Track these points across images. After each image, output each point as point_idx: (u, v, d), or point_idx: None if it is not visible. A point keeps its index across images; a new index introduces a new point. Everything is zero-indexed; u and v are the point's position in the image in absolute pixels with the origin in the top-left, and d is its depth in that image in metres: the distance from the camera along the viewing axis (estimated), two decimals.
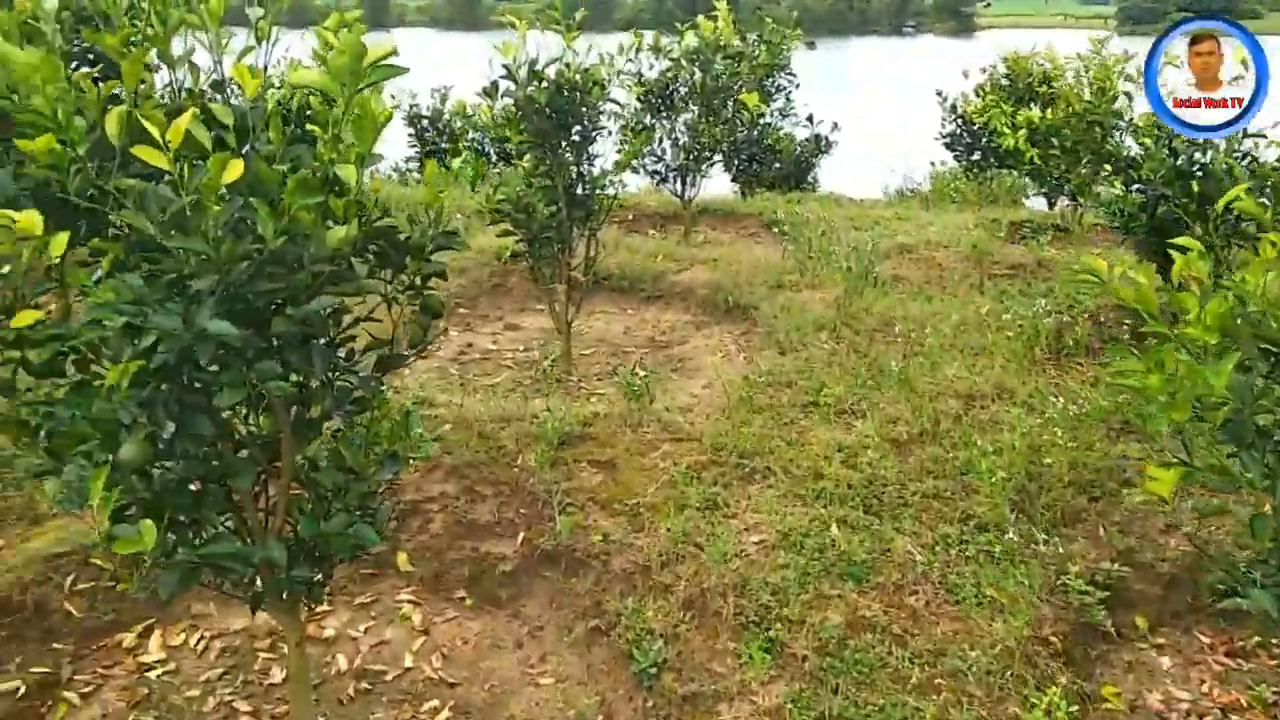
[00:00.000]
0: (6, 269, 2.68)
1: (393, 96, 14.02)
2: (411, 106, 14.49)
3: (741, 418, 5.21)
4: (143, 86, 2.81)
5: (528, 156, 6.20)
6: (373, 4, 73.19)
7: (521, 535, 4.30)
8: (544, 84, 5.71)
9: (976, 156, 13.73)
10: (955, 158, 14.16)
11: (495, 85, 5.95)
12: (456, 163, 6.38)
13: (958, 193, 13.10)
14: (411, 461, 3.66)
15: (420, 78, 15.18)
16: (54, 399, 2.85)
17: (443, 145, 14.73)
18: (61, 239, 2.50)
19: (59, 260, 2.48)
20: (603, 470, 4.70)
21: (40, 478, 3.98)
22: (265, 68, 2.96)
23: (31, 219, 2.43)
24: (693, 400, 5.62)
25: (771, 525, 4.23)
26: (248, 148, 2.79)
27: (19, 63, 2.38)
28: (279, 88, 2.86)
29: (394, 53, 2.77)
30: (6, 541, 4.06)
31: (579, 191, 6.13)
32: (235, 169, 2.44)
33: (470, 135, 14.31)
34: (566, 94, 5.75)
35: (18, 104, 2.46)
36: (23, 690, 3.45)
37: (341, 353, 3.14)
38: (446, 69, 15.64)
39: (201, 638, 3.82)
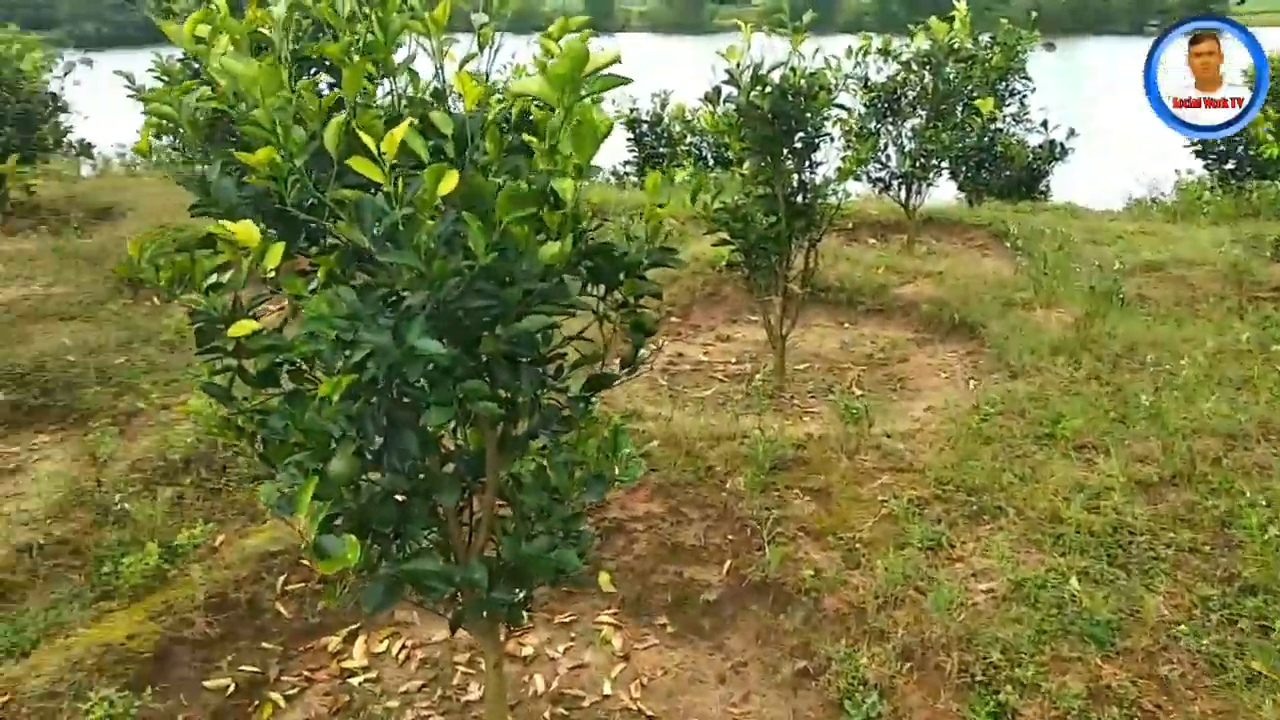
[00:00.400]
0: (226, 277, 2.69)
1: (613, 102, 14.13)
2: (631, 111, 14.54)
3: (969, 449, 4.83)
4: (364, 95, 2.78)
5: (747, 164, 6.00)
6: (596, 10, 74.54)
7: (728, 563, 4.10)
8: (767, 89, 5.50)
9: (1231, 166, 12.63)
10: (1206, 167, 13.07)
11: (717, 90, 5.79)
12: (681, 174, 6.22)
13: (1209, 205, 12.05)
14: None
15: (640, 82, 15.23)
16: (268, 408, 2.85)
17: (661, 150, 14.74)
18: (277, 250, 2.48)
19: (273, 271, 2.46)
20: (816, 499, 4.44)
21: (255, 482, 4.07)
22: (487, 75, 2.88)
23: (249, 230, 2.41)
24: (914, 426, 5.28)
25: (1002, 573, 3.86)
26: (465, 159, 2.71)
27: (241, 75, 2.35)
28: (500, 96, 2.76)
29: (617, 60, 2.62)
30: (226, 537, 4.18)
31: (800, 200, 5.88)
32: (450, 181, 2.34)
33: (689, 140, 14.27)
34: (791, 99, 5.51)
35: (241, 114, 2.44)
36: (232, 688, 3.50)
37: (550, 369, 3.04)
38: (666, 73, 15.64)
39: (403, 647, 3.81)
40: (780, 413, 5.71)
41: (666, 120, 14.54)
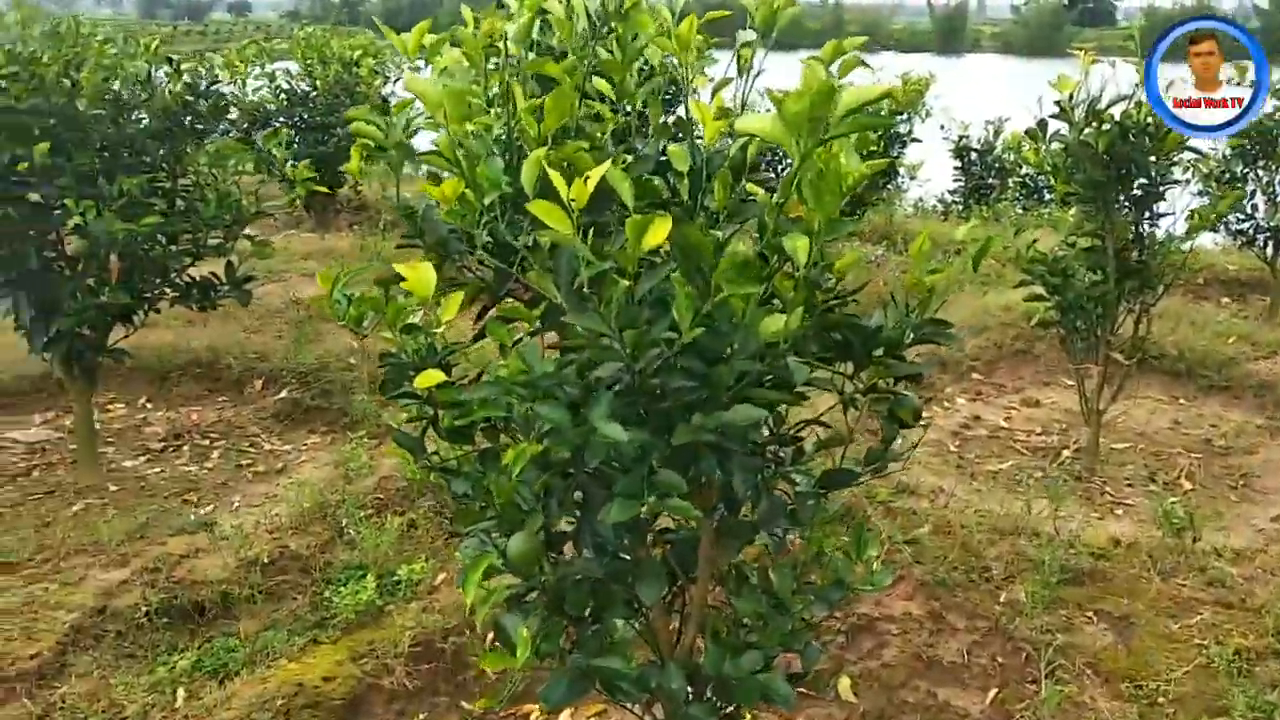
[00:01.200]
0: (418, 318, 2.40)
1: (942, 127, 13.30)
2: (961, 138, 13.63)
3: None
4: (596, 122, 2.42)
5: (1073, 210, 5.22)
6: (946, 29, 72.03)
7: (993, 692, 3.43)
8: (1105, 126, 4.71)
9: None
10: None
11: (1044, 124, 5.05)
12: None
13: None
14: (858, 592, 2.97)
15: (978, 107, 14.26)
16: (455, 467, 2.56)
17: (989, 181, 13.75)
18: (454, 301, 2.16)
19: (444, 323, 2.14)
20: (1113, 628, 3.66)
21: (454, 537, 3.80)
22: (743, 104, 2.45)
23: (421, 278, 2.10)
24: (1254, 544, 4.32)
25: None
26: (697, 204, 2.30)
27: (425, 95, 2.03)
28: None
29: (886, 95, 2.11)
30: (448, 576, 3.97)
31: (1134, 257, 5.02)
32: (657, 232, 1.92)
33: (1023, 171, 13.21)
34: (1132, 139, 4.70)
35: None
36: None
37: (781, 452, 2.57)
38: (1010, 98, 14.56)
39: None
40: (1086, 500, 4.88)
41: (999, 149, 13.51)
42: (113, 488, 5.04)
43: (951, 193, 14.19)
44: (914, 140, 11.22)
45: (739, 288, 1.94)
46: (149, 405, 6.11)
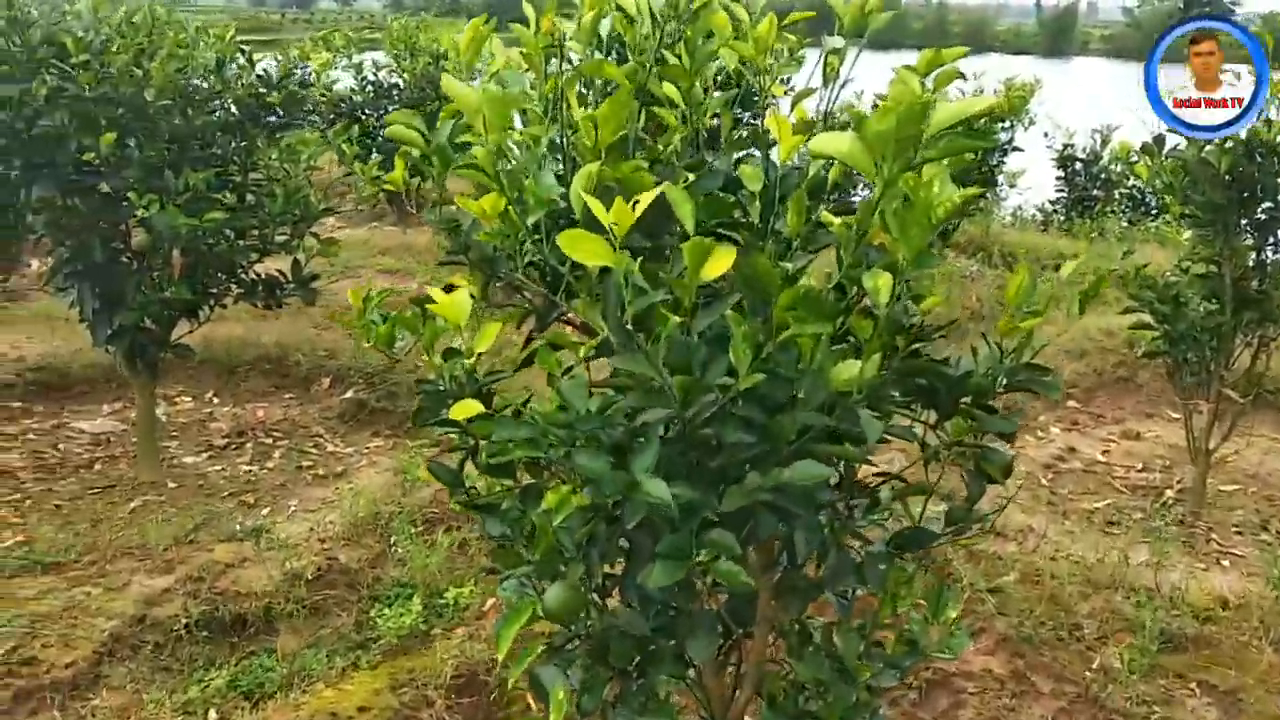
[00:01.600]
0: (459, 341, 2.19)
1: (1045, 134, 12.77)
2: (1065, 146, 13.08)
3: None
4: (660, 133, 2.19)
5: (1187, 234, 4.84)
6: (1054, 30, 70.02)
7: None
8: (1228, 144, 4.33)
9: None
10: None
11: (1160, 139, 4.67)
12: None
13: None
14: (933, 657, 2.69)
15: (1085, 113, 13.66)
16: (494, 504, 2.35)
17: (1093, 193, 13.19)
18: (489, 331, 1.95)
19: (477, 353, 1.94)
20: (1218, 703, 3.31)
21: (492, 573, 3.58)
22: (825, 118, 2.20)
23: (453, 304, 1.89)
24: None
25: None
26: (768, 228, 2.07)
27: (463, 100, 1.82)
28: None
29: (989, 111, 1.85)
30: (497, 602, 3.77)
31: (1254, 286, 4.63)
32: (721, 261, 1.69)
33: (1130, 183, 12.63)
34: (1259, 159, 4.32)
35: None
36: None
37: (852, 504, 2.33)
38: (1119, 105, 13.92)
39: None
40: (1188, 550, 4.50)
41: (1106, 159, 12.93)
42: (171, 485, 4.96)
43: (1053, 203, 13.65)
44: (1015, 149, 10.76)
45: (806, 326, 1.69)
46: (215, 400, 6.04)
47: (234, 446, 5.48)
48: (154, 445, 5.07)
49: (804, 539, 1.97)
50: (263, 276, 4.89)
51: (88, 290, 4.60)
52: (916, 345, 2.06)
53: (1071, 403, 6.25)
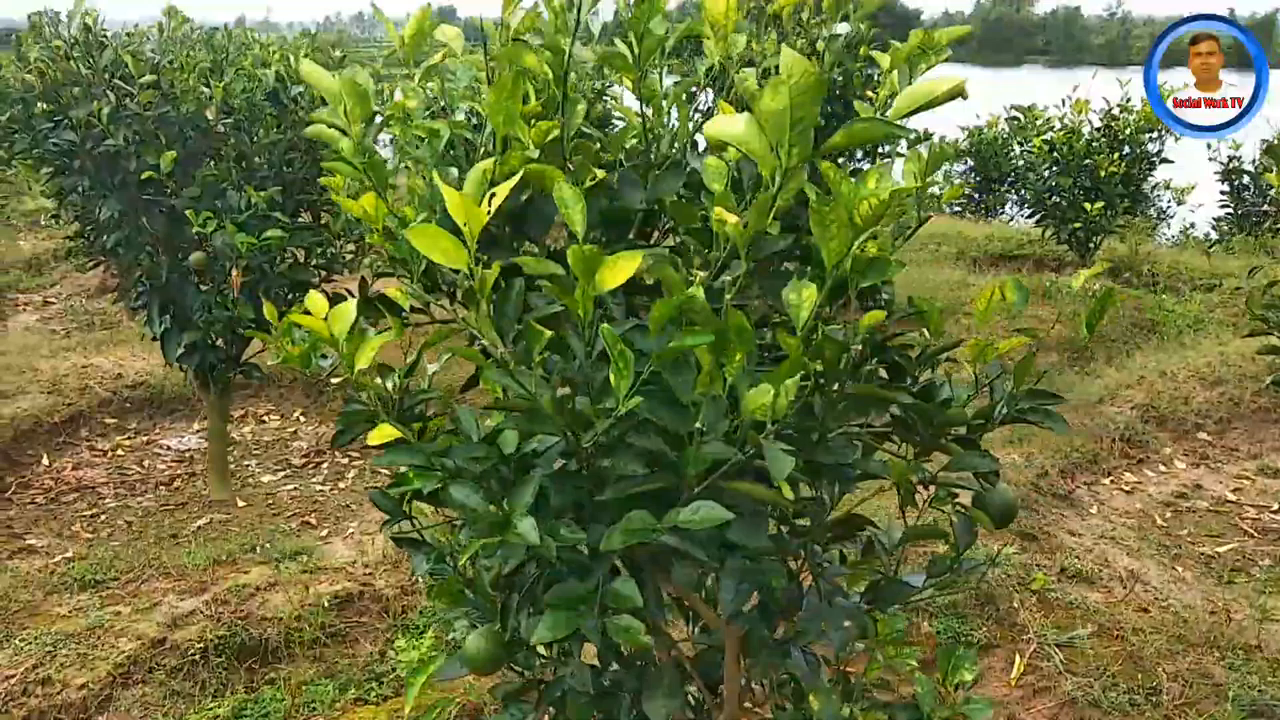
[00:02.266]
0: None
1: (1208, 145, 11.91)
2: (1230, 159, 12.16)
3: None
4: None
5: None
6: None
7: None
8: None
9: None
10: None
11: None
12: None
13: None
14: None
15: (1260, 127, 12.69)
16: (414, 539, 2.18)
17: (1261, 209, 12.21)
18: (370, 346, 1.75)
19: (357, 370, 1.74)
20: None
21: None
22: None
23: (336, 313, 1.72)
24: None
25: None
26: None
27: (324, 88, 1.63)
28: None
29: (954, 95, 1.60)
30: None
31: None
32: (618, 271, 1.47)
33: None
34: None
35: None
36: None
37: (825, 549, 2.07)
38: None
39: None
40: None
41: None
42: (241, 504, 4.96)
43: (1218, 220, 12.72)
44: (1164, 160, 10.01)
45: (687, 339, 1.45)
46: (302, 419, 6.06)
47: (311, 466, 5.47)
48: (225, 464, 5.09)
49: (731, 588, 1.70)
50: (330, 295, 4.85)
51: (156, 308, 4.64)
52: (872, 367, 1.78)
53: (1202, 434, 5.66)
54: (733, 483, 1.55)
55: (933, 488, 1.88)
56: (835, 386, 1.65)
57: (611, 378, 1.46)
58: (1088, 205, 9.29)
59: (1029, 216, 10.73)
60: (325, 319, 1.67)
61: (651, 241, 1.91)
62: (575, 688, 2.11)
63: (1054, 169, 9.73)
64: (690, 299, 1.44)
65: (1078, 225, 9.52)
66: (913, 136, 1.68)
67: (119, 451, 5.57)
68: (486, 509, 1.59)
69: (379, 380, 1.94)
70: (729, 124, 1.42)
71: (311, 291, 1.72)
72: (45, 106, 4.32)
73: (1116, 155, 9.55)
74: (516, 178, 1.48)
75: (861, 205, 1.43)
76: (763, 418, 1.50)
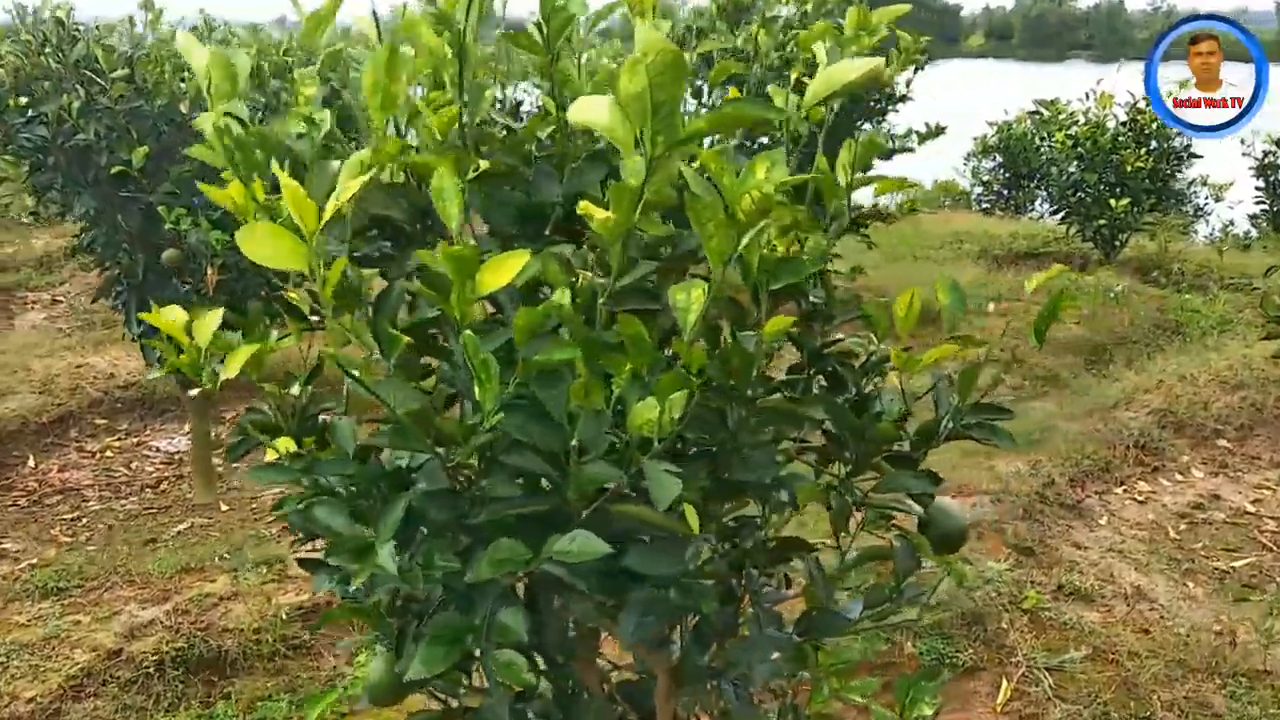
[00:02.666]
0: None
1: (1242, 141, 11.57)
2: (1266, 154, 11.81)
3: None
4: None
5: None
6: None
7: None
8: None
9: None
10: None
11: None
12: None
13: None
14: None
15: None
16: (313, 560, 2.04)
17: None
18: (239, 355, 1.60)
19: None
20: None
21: None
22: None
23: (200, 324, 1.58)
24: None
25: None
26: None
27: (195, 64, 1.49)
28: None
29: (871, 79, 1.46)
30: None
31: None
32: (502, 272, 1.33)
33: None
34: None
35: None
36: None
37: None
38: None
39: None
40: None
41: None
42: (224, 508, 4.86)
43: (1254, 217, 12.39)
44: (1193, 155, 9.73)
45: (553, 353, 1.30)
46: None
47: None
48: (209, 467, 4.99)
49: (632, 621, 1.54)
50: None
51: (134, 306, 4.55)
52: (786, 380, 1.62)
53: (1221, 442, 5.41)
54: (619, 506, 1.40)
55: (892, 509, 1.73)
56: (750, 397, 1.50)
57: (476, 390, 1.32)
58: (1113, 201, 9.02)
59: (1053, 213, 10.47)
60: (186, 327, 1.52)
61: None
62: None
63: (1078, 164, 9.47)
64: (558, 306, 1.29)
65: (1103, 222, 9.25)
66: (797, 119, 1.52)
67: (108, 453, 5.49)
68: (352, 532, 1.45)
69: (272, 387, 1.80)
70: (592, 107, 1.26)
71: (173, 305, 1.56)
72: (18, 101, 4.24)
73: (1143, 150, 9.27)
74: (374, 171, 1.34)
75: (744, 199, 1.27)
76: (649, 434, 1.34)
